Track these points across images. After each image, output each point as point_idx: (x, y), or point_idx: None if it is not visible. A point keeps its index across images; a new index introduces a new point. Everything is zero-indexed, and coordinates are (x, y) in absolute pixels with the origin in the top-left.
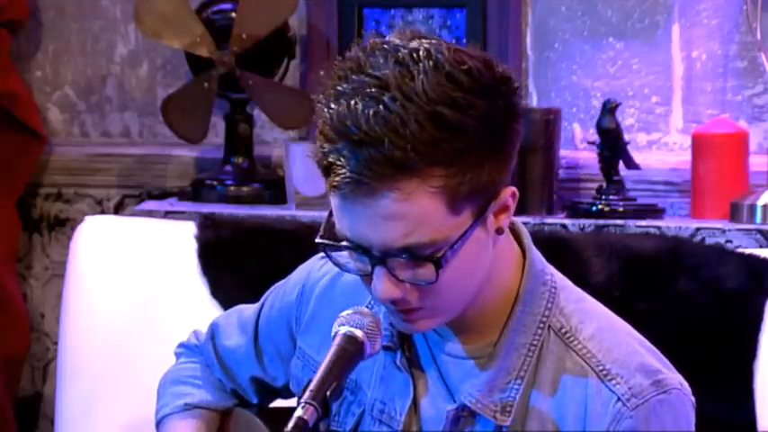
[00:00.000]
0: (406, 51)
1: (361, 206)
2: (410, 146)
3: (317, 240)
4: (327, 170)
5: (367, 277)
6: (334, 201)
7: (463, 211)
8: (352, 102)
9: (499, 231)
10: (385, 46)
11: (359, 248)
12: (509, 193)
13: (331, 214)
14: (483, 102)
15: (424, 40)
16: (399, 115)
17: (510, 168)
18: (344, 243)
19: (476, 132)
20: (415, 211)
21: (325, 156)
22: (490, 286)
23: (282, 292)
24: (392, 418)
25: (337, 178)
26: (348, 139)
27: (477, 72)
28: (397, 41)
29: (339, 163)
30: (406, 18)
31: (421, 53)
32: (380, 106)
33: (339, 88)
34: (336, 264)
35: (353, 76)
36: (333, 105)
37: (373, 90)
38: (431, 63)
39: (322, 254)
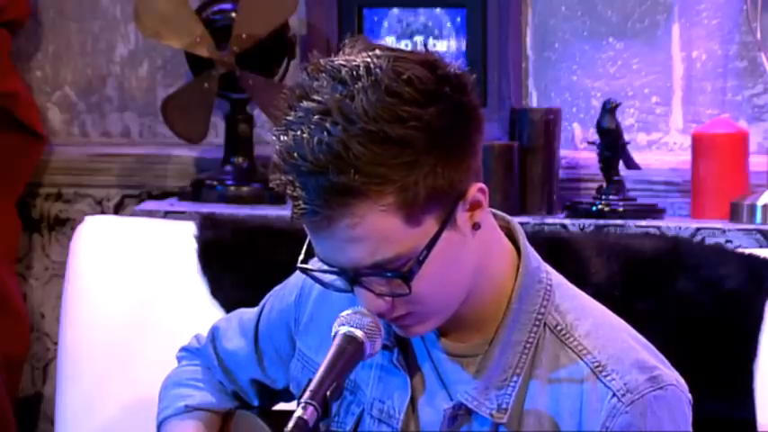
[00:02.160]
0: (347, 70)
1: (322, 234)
2: (353, 169)
3: (298, 266)
4: (290, 200)
5: (353, 292)
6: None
7: (424, 221)
8: (299, 132)
9: (475, 227)
10: (328, 66)
11: (334, 270)
12: (476, 190)
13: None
14: (425, 109)
15: (367, 54)
16: (342, 140)
17: (471, 165)
18: (322, 267)
19: (421, 142)
20: (372, 231)
21: (283, 187)
22: (484, 285)
23: (282, 294)
24: (391, 417)
25: (295, 210)
26: (297, 170)
27: (417, 80)
28: (341, 61)
29: (295, 194)
30: (406, 18)
31: (360, 70)
32: (324, 133)
33: (289, 118)
34: (321, 284)
35: (301, 104)
36: (282, 137)
37: (317, 117)
38: (370, 80)
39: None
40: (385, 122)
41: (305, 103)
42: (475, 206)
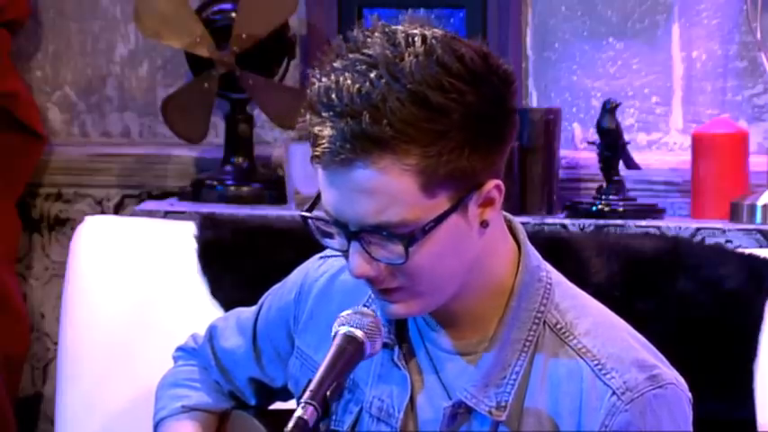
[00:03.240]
0: (402, 35)
1: (338, 178)
2: (387, 121)
3: (302, 213)
4: (312, 142)
5: (346, 255)
6: (318, 173)
7: (438, 195)
8: (341, 77)
9: (483, 224)
10: (385, 29)
11: (337, 223)
12: (493, 186)
13: (320, 194)
14: (469, 88)
15: (425, 28)
16: (382, 92)
17: (496, 161)
18: (325, 216)
19: (458, 117)
20: (387, 186)
21: (311, 126)
22: (484, 281)
23: (280, 292)
24: (390, 416)
25: (318, 149)
26: (331, 110)
27: (470, 59)
28: (398, 27)
29: (322, 134)
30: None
31: (416, 38)
32: (366, 83)
33: (334, 64)
34: (320, 240)
35: (349, 54)
36: (323, 79)
37: (363, 67)
38: (423, 48)
39: (320, 255)
40: (428, 87)
41: (353, 55)
42: (488, 203)
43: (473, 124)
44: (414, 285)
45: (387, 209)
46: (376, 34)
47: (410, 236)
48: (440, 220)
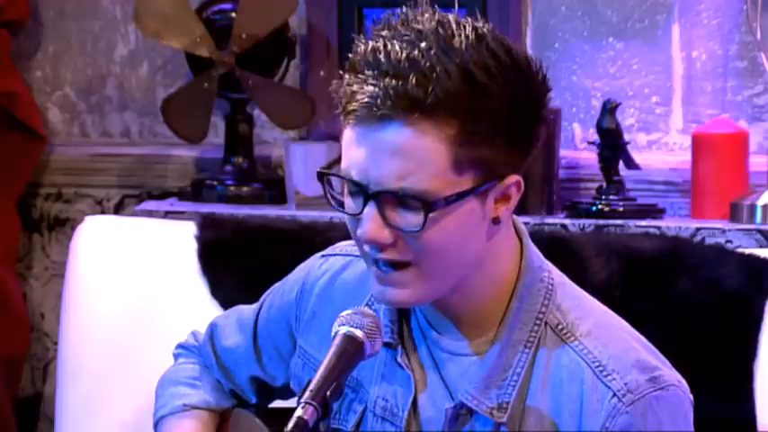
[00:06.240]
0: (455, 19)
1: (370, 135)
2: (432, 88)
3: (319, 170)
4: (348, 100)
5: (357, 220)
6: (346, 133)
7: (465, 174)
8: (389, 43)
9: (495, 221)
10: (437, 11)
11: (356, 183)
12: (513, 181)
13: (340, 156)
14: (514, 79)
15: (476, 20)
16: (430, 60)
17: (521, 158)
18: (344, 174)
19: (498, 103)
20: (420, 150)
21: (349, 86)
22: (487, 279)
23: (282, 291)
24: (395, 415)
25: (355, 104)
26: (377, 68)
27: (517, 55)
28: (450, 15)
29: (362, 90)
30: None
31: (467, 25)
32: (415, 51)
33: (382, 33)
34: (333, 205)
35: (398, 26)
36: (370, 42)
37: (413, 36)
38: (474, 33)
39: (321, 253)
40: (475, 66)
41: (403, 28)
42: (505, 198)
43: (510, 115)
44: (421, 262)
45: (412, 174)
46: (426, 16)
47: (431, 202)
48: (462, 196)
